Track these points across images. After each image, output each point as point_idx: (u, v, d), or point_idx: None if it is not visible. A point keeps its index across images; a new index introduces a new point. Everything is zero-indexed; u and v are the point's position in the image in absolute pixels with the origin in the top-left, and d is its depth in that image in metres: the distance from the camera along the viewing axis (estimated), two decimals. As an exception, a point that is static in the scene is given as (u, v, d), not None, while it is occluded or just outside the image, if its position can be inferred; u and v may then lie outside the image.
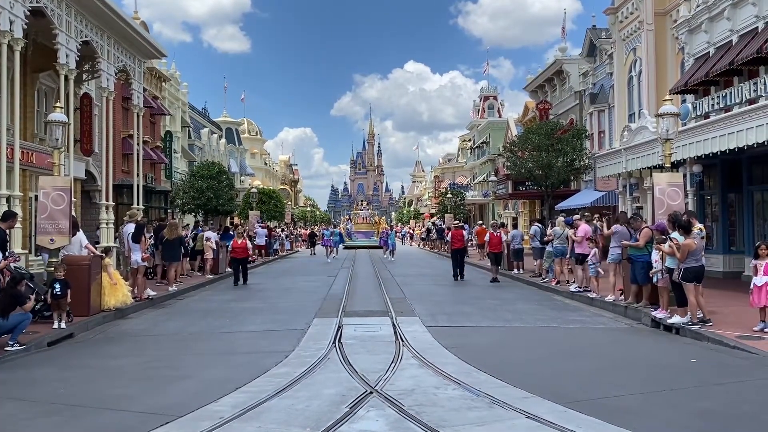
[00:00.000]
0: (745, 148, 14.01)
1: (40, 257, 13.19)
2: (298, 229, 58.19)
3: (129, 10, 25.09)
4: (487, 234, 21.16)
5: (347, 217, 64.03)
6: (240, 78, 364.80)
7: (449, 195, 55.12)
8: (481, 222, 37.85)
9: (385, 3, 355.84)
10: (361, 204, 64.05)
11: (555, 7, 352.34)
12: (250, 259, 29.17)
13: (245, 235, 21.48)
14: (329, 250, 34.94)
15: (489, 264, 25.69)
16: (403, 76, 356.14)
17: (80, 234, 13.16)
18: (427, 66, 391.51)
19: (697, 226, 11.08)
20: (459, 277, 20.68)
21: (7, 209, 12.01)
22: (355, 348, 9.41)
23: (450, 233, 23.41)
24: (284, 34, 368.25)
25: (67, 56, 15.56)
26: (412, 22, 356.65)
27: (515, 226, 33.76)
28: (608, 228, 14.13)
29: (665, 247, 10.87)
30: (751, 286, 10.04)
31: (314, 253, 38.63)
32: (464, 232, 22.55)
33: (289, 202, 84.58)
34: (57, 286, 11.00)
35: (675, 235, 10.71)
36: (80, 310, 11.83)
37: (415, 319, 12.17)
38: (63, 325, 10.92)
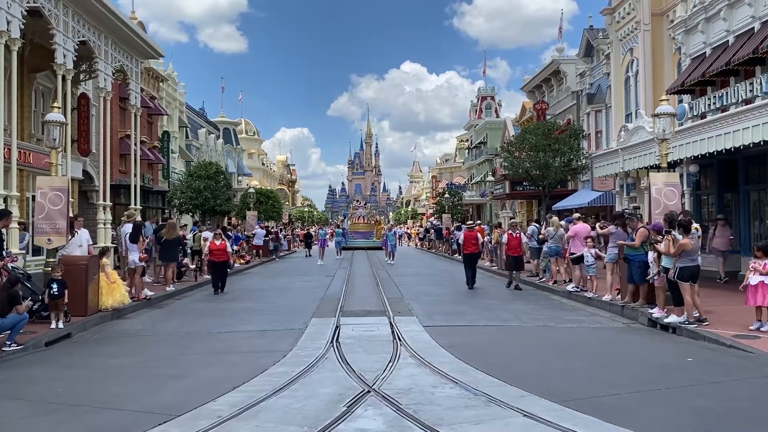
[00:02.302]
0: (741, 148, 14.06)
1: (39, 256, 13.16)
2: (296, 230, 57.96)
3: (126, 10, 25.10)
4: (505, 235, 18.93)
5: (342, 218, 63.11)
6: (237, 78, 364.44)
7: (447, 195, 55.14)
8: (479, 221, 37.82)
9: (381, 3, 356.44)
10: (358, 203, 63.21)
11: (550, 8, 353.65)
12: (244, 260, 29.29)
13: (224, 236, 19.38)
14: (323, 252, 32.50)
15: (487, 264, 25.86)
16: (399, 76, 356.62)
17: (80, 235, 13.15)
18: (423, 66, 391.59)
19: (694, 226, 11.13)
20: (472, 286, 17.95)
21: (1, 208, 11.99)
22: (353, 347, 9.43)
23: (462, 235, 19.71)
24: (281, 34, 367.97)
25: (64, 56, 15.55)
26: (408, 23, 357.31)
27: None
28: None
29: (661, 246, 10.93)
30: (745, 283, 10.13)
31: (310, 255, 37.64)
32: (477, 235, 19.48)
33: (287, 203, 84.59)
34: (54, 286, 11.00)
35: (674, 233, 10.77)
36: (78, 310, 11.85)
37: (412, 319, 12.20)
38: (60, 325, 10.93)
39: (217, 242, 18.14)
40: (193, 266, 21.17)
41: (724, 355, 8.83)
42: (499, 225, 29.43)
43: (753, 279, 9.99)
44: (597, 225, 15.52)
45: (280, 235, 39.86)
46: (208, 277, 20.71)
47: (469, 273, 18.09)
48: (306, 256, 37.59)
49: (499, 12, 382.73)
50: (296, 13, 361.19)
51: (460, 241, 19.52)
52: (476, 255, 18.74)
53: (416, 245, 55.92)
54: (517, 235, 17.90)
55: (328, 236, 34.97)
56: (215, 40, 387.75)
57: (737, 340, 9.26)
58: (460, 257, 32.76)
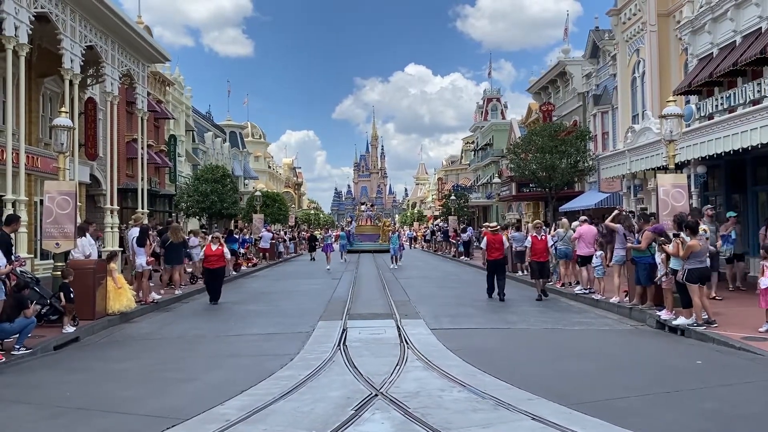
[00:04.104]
0: (749, 148, 13.99)
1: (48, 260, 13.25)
2: (302, 232, 57.86)
3: (132, 14, 25.19)
4: (529, 238, 16.81)
5: (349, 219, 62.38)
6: (242, 81, 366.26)
7: (453, 197, 55.10)
8: (486, 224, 37.74)
9: (384, 7, 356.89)
10: (364, 205, 62.55)
11: (553, 9, 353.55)
12: (251, 263, 29.32)
13: (221, 240, 17.45)
14: (329, 256, 29.73)
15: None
16: (403, 78, 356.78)
17: (85, 240, 13.21)
18: (428, 69, 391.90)
19: (702, 228, 11.08)
20: (500, 297, 15.56)
21: (10, 213, 12.05)
22: (360, 351, 9.42)
23: (485, 239, 16.81)
24: (285, 37, 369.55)
25: (71, 61, 15.62)
26: (412, 26, 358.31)
27: (518, 229, 33.72)
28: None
29: (670, 247, 10.88)
30: (760, 287, 10.06)
31: (314, 258, 36.14)
32: (503, 238, 16.88)
33: (293, 205, 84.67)
34: (72, 289, 11.22)
35: (682, 235, 10.73)
36: (85, 314, 11.90)
37: (419, 322, 12.18)
38: (71, 329, 11.00)
39: (213, 247, 16.36)
40: (191, 269, 20.65)
41: (734, 357, 8.78)
42: (506, 227, 29.28)
43: (763, 281, 9.92)
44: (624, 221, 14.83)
45: (286, 238, 39.91)
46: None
47: (492, 281, 15.94)
48: (310, 259, 36.60)
49: (501, 14, 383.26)
50: (300, 16, 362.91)
51: (483, 246, 16.74)
52: (502, 261, 16.34)
53: (422, 247, 55.81)
54: (543, 238, 15.95)
55: (332, 240, 32.73)
56: (220, 43, 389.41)
57: (747, 342, 9.19)
58: (466, 259, 32.97)
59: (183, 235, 18.25)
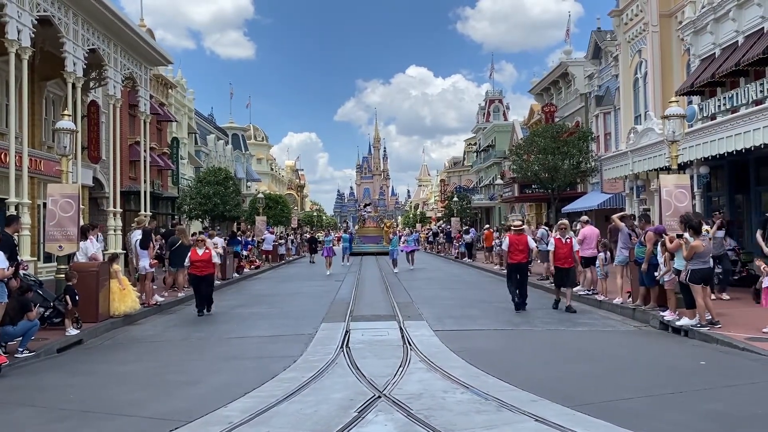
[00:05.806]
0: (752, 149, 13.98)
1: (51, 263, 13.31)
2: (305, 234, 57.67)
3: (134, 17, 25.22)
4: (551, 240, 15.02)
5: (346, 222, 61.88)
6: (244, 83, 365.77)
7: (455, 198, 55.08)
8: (488, 226, 37.76)
9: (385, 9, 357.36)
10: (366, 207, 62.09)
11: (554, 10, 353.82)
12: (254, 265, 29.31)
13: (208, 242, 15.42)
14: (330, 261, 27.74)
15: (497, 267, 25.75)
16: (405, 80, 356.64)
17: (88, 243, 13.24)
18: (429, 70, 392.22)
19: (705, 228, 11.07)
20: (521, 306, 13.91)
21: (9, 213, 12.07)
22: (363, 352, 9.42)
23: (506, 239, 14.85)
24: (287, 39, 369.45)
25: (74, 64, 15.66)
26: (412, 28, 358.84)
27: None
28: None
29: (674, 244, 10.87)
30: (762, 287, 10.05)
31: (314, 261, 35.22)
32: (528, 239, 14.80)
33: (296, 207, 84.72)
34: (76, 293, 11.30)
35: (686, 235, 10.72)
36: (89, 316, 11.93)
37: (422, 323, 12.17)
38: (74, 332, 11.01)
39: (200, 251, 14.50)
40: None
41: (738, 358, 8.77)
42: (508, 229, 29.20)
43: (765, 281, 9.93)
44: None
45: (288, 240, 39.92)
46: (217, 282, 19.29)
47: (514, 287, 14.09)
48: (310, 262, 35.85)
49: (502, 15, 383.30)
50: (302, 18, 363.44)
51: (504, 247, 14.88)
52: (525, 266, 14.30)
53: (424, 249, 55.79)
54: (567, 241, 14.00)
55: (333, 243, 30.79)
56: (222, 46, 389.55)
57: (750, 342, 9.18)
58: (468, 260, 32.92)
59: (191, 238, 18.26)
